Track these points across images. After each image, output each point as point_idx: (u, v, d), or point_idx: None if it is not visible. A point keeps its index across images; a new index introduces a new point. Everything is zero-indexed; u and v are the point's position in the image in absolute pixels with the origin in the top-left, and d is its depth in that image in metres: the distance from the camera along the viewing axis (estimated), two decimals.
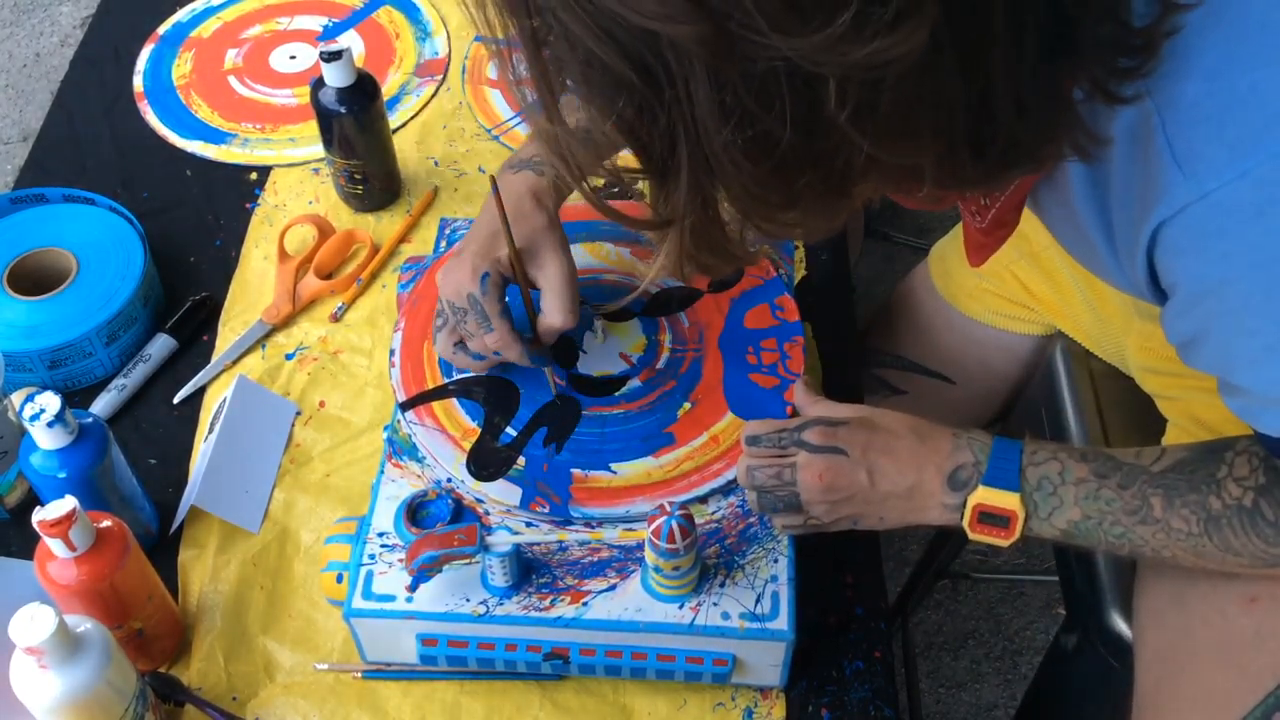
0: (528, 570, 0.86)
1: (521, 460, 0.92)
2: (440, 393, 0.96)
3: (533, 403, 0.95)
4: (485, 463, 0.91)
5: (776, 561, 0.86)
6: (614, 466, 0.91)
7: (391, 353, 0.99)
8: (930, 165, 0.58)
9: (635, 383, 0.97)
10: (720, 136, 0.53)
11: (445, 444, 0.92)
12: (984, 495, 0.80)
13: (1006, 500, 0.79)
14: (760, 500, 0.85)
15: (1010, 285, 1.14)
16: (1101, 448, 0.83)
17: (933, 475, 0.81)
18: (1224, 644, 0.83)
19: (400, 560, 0.86)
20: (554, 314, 0.90)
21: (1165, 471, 0.78)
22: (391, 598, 0.85)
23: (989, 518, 0.80)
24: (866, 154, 0.54)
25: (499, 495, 0.89)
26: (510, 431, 0.94)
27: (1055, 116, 0.60)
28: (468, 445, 0.92)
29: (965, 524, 0.81)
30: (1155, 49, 0.59)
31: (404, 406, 0.95)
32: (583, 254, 1.04)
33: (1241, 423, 0.71)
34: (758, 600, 0.84)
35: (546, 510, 0.89)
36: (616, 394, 0.96)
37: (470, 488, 0.90)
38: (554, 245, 0.90)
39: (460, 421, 0.94)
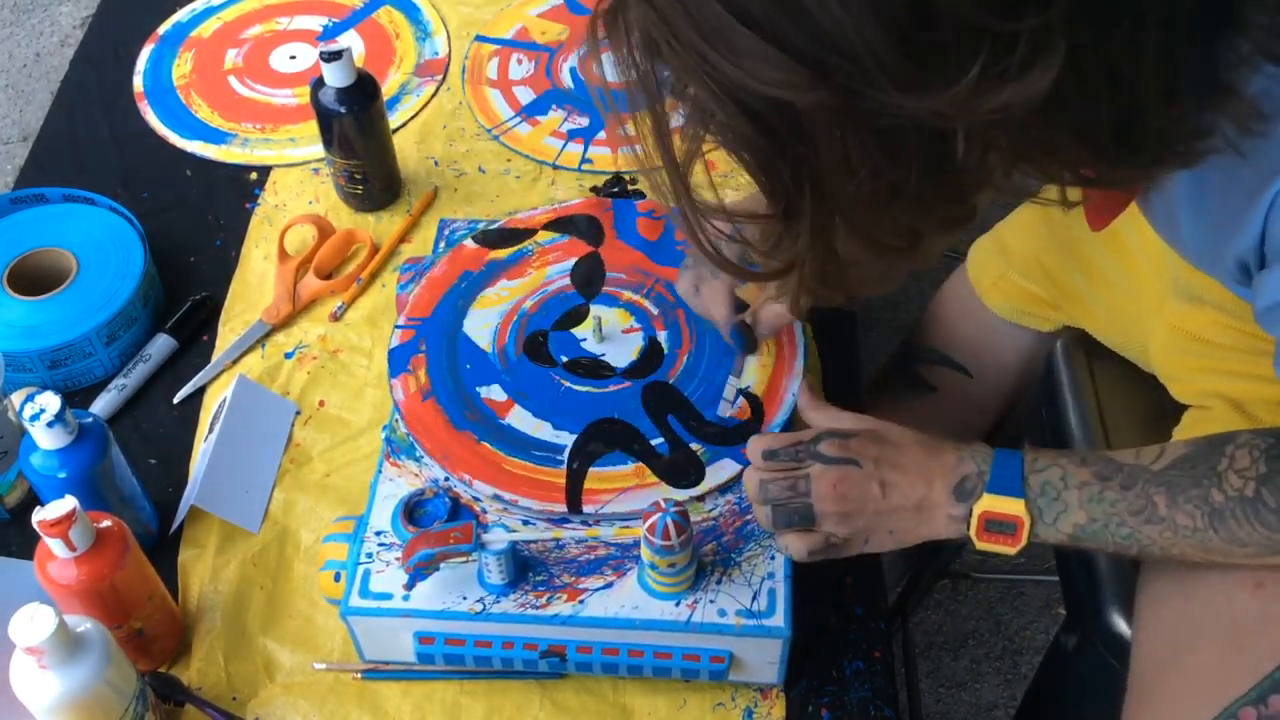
0: (524, 568, 0.86)
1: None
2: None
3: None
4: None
5: (773, 559, 0.86)
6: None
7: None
8: (1069, 177, 0.57)
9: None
10: (848, 188, 0.53)
11: None
12: (989, 503, 0.81)
13: (1011, 506, 0.80)
14: (774, 515, 0.84)
15: (1036, 274, 1.15)
16: (1102, 451, 0.83)
17: (940, 487, 0.82)
18: (1227, 627, 0.83)
19: (397, 559, 0.86)
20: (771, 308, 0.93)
21: (1166, 469, 0.78)
22: (388, 596, 0.85)
23: (995, 525, 0.81)
24: (996, 184, 0.54)
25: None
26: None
27: (1211, 106, 0.57)
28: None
29: (972, 533, 0.82)
30: None
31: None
32: None
33: (1269, 399, 0.70)
34: (754, 597, 0.84)
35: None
36: (604, 380, 0.98)
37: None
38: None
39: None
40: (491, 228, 1.07)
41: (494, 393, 0.96)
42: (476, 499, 0.90)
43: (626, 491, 0.90)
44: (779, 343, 0.98)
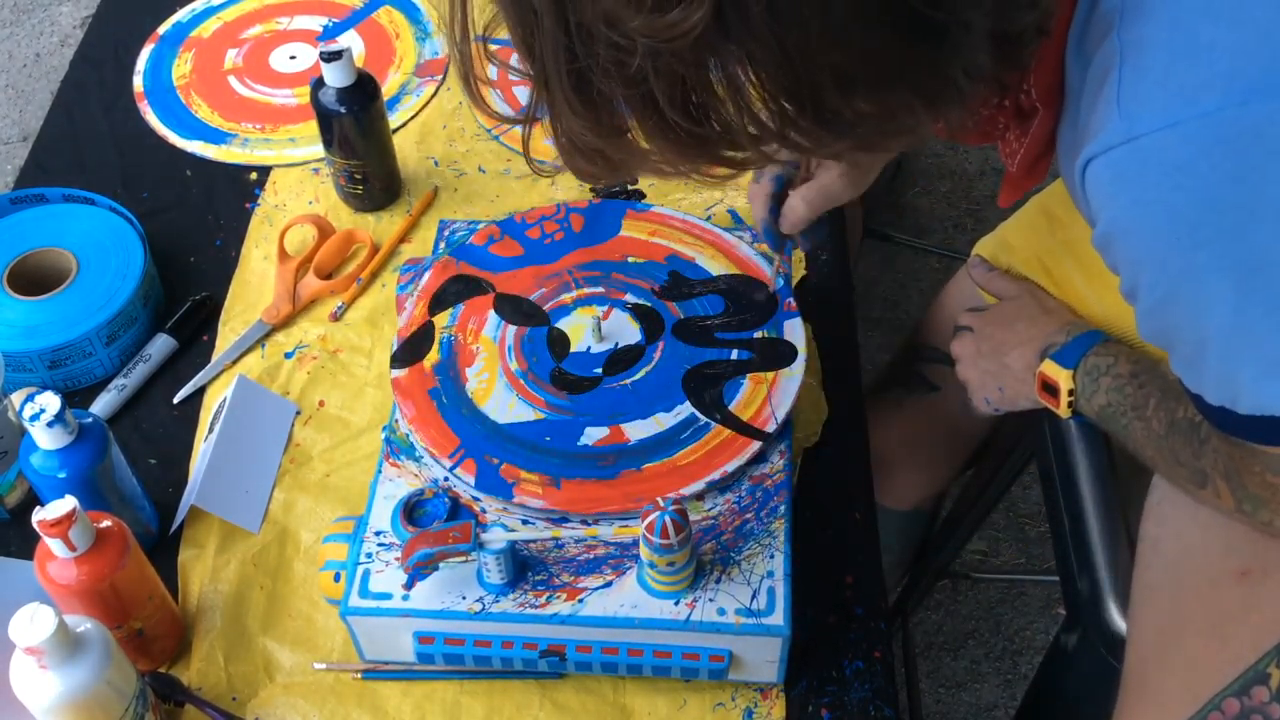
0: (523, 567, 0.86)
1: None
2: None
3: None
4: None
5: (773, 557, 0.86)
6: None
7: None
8: (753, 134, 0.60)
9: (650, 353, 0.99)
10: (558, 70, 0.58)
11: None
12: (1045, 366, 0.97)
13: (1058, 374, 0.95)
14: None
15: (1036, 273, 1.15)
16: (1159, 361, 0.91)
17: (1031, 350, 1.00)
18: (1214, 616, 0.84)
19: (397, 559, 0.86)
20: (796, 198, 0.97)
21: (1176, 381, 0.82)
22: (388, 596, 0.85)
23: (1047, 387, 0.98)
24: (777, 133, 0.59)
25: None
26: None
27: (894, 71, 0.60)
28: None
29: (1035, 388, 0.99)
30: None
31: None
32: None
33: None
34: (754, 596, 0.84)
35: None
36: (637, 364, 0.98)
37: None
38: (839, 170, 0.96)
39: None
40: (396, 350, 1.00)
41: (595, 434, 0.93)
42: (670, 503, 0.83)
43: (771, 397, 0.94)
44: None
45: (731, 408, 0.94)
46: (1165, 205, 0.63)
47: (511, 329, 1.01)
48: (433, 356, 0.99)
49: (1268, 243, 0.61)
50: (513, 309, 1.03)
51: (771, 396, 0.94)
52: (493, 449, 0.92)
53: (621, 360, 0.98)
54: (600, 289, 1.03)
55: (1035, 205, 1.17)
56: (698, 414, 0.94)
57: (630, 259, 1.05)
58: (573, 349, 0.99)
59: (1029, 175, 0.80)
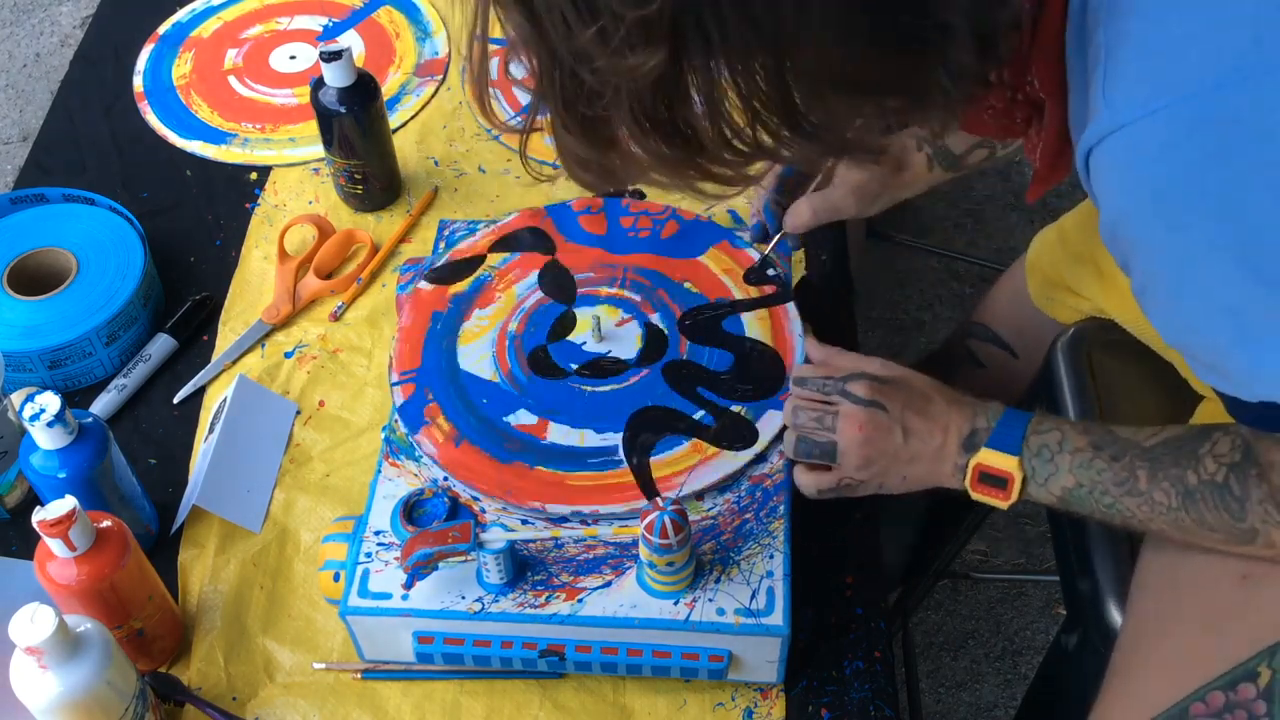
0: (523, 567, 0.86)
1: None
2: None
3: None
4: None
5: (772, 558, 0.86)
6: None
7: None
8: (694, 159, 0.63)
9: (638, 368, 0.98)
10: (551, 93, 0.61)
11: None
12: (984, 456, 0.85)
13: (1005, 462, 0.84)
14: (798, 446, 0.89)
15: (1086, 264, 1.15)
16: (1106, 424, 0.86)
17: (953, 437, 0.86)
18: (1209, 613, 0.84)
19: (396, 558, 0.86)
20: (804, 204, 0.99)
21: (1155, 446, 0.81)
22: (387, 595, 0.85)
23: (988, 478, 0.85)
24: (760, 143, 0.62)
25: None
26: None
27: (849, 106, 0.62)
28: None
29: (967, 483, 0.86)
30: None
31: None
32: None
33: None
34: (753, 596, 0.84)
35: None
36: (611, 378, 0.98)
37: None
38: (850, 188, 0.98)
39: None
40: (440, 264, 1.04)
41: (523, 417, 0.94)
42: (563, 521, 0.87)
43: (695, 469, 0.91)
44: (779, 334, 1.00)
45: (655, 460, 0.92)
46: (1154, 188, 0.64)
47: (537, 294, 1.02)
48: (460, 286, 1.02)
49: (1260, 217, 0.62)
50: (553, 279, 1.04)
51: (695, 470, 0.91)
52: (435, 385, 0.95)
53: (602, 368, 0.98)
54: (638, 297, 1.03)
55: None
56: (619, 448, 0.93)
57: (687, 284, 1.04)
58: (570, 336, 0.99)
59: (1053, 170, 0.80)
